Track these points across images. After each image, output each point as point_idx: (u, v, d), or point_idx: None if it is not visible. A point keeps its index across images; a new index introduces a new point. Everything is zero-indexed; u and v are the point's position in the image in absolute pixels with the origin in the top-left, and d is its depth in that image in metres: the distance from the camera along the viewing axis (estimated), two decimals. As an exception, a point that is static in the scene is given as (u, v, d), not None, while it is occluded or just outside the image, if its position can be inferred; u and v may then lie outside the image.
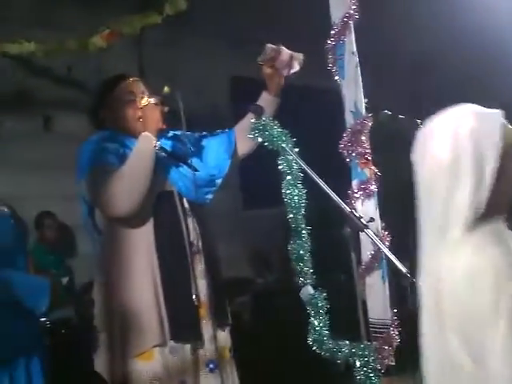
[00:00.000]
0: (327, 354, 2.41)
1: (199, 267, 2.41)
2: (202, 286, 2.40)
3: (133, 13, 3.84)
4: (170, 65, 5.83)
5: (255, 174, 5.92)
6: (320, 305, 2.41)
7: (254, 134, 2.41)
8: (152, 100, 2.40)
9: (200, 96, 5.66)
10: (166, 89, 2.37)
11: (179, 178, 2.45)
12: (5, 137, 4.81)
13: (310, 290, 2.43)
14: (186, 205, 2.46)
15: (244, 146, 2.70)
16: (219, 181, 2.60)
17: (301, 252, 2.42)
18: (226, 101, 5.95)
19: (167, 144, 2.49)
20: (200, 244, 2.44)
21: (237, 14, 5.58)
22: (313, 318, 2.42)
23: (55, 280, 2.44)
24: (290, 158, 2.38)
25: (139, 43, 5.36)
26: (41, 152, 4.89)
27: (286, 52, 2.52)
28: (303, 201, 2.42)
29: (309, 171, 2.31)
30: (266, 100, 2.63)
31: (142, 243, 2.35)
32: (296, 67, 2.58)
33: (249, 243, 5.72)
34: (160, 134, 2.42)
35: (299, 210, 2.42)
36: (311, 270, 2.43)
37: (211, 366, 2.38)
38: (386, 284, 2.56)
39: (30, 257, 2.50)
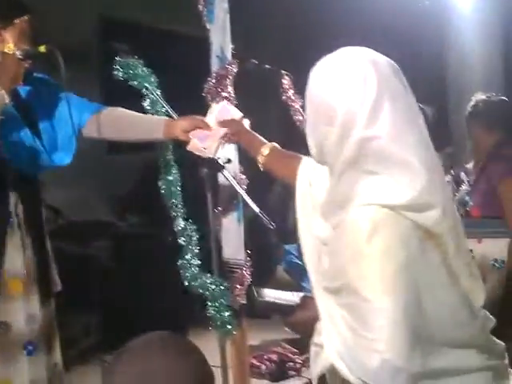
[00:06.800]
0: (193, 285, 2.50)
1: (15, 240, 2.22)
2: (17, 260, 2.22)
3: None
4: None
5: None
6: (190, 236, 2.51)
7: (117, 72, 2.39)
8: (18, 52, 2.09)
9: (68, 33, 5.46)
10: (42, 48, 2.10)
11: (15, 145, 2.16)
12: None
13: (180, 222, 2.52)
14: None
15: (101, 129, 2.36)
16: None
17: (171, 187, 2.49)
18: (95, 39, 5.81)
19: (24, 90, 2.25)
20: (22, 217, 2.24)
21: None
22: (184, 249, 2.52)
23: None
24: (155, 98, 2.40)
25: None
26: None
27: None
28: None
29: (170, 112, 2.35)
30: None
31: None
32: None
33: (111, 187, 5.69)
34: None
35: (167, 147, 2.48)
36: (181, 204, 2.52)
37: (29, 347, 2.20)
38: (242, 226, 2.68)
39: None
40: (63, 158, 2.30)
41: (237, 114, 2.25)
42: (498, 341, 1.58)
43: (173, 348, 1.32)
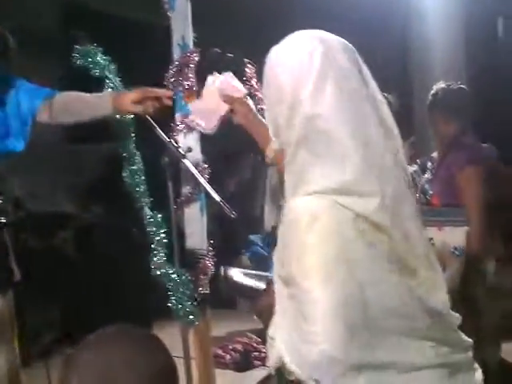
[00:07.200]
0: (158, 274, 2.49)
1: None
2: None
3: None
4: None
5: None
6: (158, 226, 2.50)
7: (76, 60, 2.36)
8: None
9: (30, 19, 5.35)
10: None
11: None
12: None
13: (147, 211, 2.51)
14: None
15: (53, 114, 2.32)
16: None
17: (135, 177, 2.48)
18: (59, 27, 5.72)
19: None
20: None
21: None
22: (152, 239, 2.51)
23: None
24: (114, 86, 2.38)
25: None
26: None
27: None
28: (131, 128, 2.44)
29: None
30: None
31: None
32: None
33: (75, 178, 5.61)
34: None
35: (129, 136, 2.45)
36: (147, 193, 2.51)
37: None
38: (204, 215, 2.66)
39: None
40: (16, 144, 2.27)
41: (241, 88, 1.99)
42: (465, 337, 1.56)
43: (133, 340, 1.31)
